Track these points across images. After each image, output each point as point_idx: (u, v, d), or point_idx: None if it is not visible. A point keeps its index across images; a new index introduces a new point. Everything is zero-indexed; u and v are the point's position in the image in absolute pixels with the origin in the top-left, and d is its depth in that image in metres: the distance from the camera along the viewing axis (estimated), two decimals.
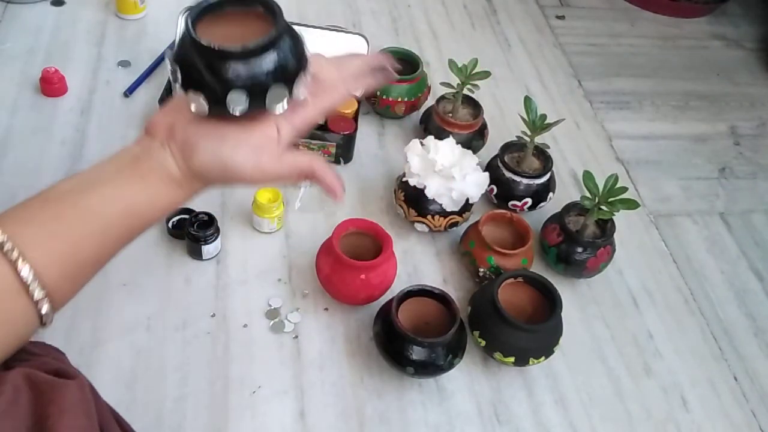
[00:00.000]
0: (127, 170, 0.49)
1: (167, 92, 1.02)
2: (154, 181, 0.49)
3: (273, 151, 0.51)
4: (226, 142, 0.50)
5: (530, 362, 0.81)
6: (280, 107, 0.48)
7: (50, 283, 0.44)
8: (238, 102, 0.47)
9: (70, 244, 0.45)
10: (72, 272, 0.46)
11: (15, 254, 0.42)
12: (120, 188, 0.48)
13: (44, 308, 0.44)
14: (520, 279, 0.85)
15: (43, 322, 0.45)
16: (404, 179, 0.93)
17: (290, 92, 0.49)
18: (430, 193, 0.89)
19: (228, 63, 0.46)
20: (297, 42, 0.49)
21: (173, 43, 0.49)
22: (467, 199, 0.91)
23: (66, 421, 0.41)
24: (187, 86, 0.48)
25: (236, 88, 0.46)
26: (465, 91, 1.04)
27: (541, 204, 1.00)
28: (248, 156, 0.50)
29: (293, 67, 0.48)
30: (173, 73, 0.48)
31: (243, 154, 0.50)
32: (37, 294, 0.43)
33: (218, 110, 0.48)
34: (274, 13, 0.48)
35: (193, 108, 0.48)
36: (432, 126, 1.06)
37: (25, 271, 0.42)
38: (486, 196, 1.01)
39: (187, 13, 0.48)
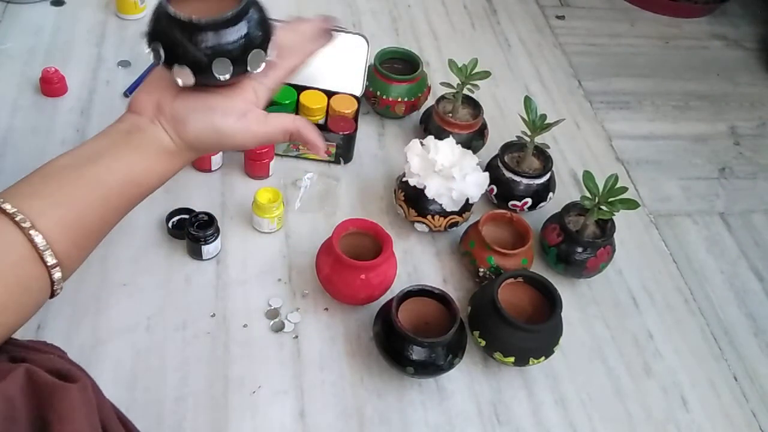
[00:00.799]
0: (122, 143, 0.52)
1: None
2: (149, 152, 0.52)
3: (258, 114, 0.55)
4: (215, 112, 0.53)
5: (530, 362, 0.81)
6: (259, 68, 0.53)
7: (61, 250, 0.46)
8: (223, 69, 0.51)
9: (76, 214, 0.48)
10: (79, 240, 0.49)
11: (27, 224, 0.45)
12: (118, 160, 0.51)
13: (56, 275, 0.47)
14: (520, 279, 0.85)
15: (53, 289, 0.47)
16: (404, 179, 0.93)
17: (265, 54, 0.53)
18: (430, 193, 0.89)
19: (210, 34, 0.49)
20: (263, 10, 0.54)
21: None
22: (467, 199, 0.91)
23: (65, 427, 0.42)
24: (171, 61, 0.51)
25: (220, 56, 0.50)
26: (465, 91, 1.04)
27: (541, 204, 1.00)
28: (237, 121, 0.54)
29: (265, 31, 0.53)
30: (154, 51, 0.51)
31: (232, 120, 0.54)
32: (51, 261, 0.46)
33: (204, 80, 0.52)
34: None
35: (180, 81, 0.51)
36: (432, 126, 1.06)
37: (39, 239, 0.45)
38: (486, 196, 1.01)
39: None
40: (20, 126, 1.01)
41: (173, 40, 0.50)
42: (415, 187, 0.91)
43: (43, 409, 0.42)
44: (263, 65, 0.53)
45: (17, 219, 0.44)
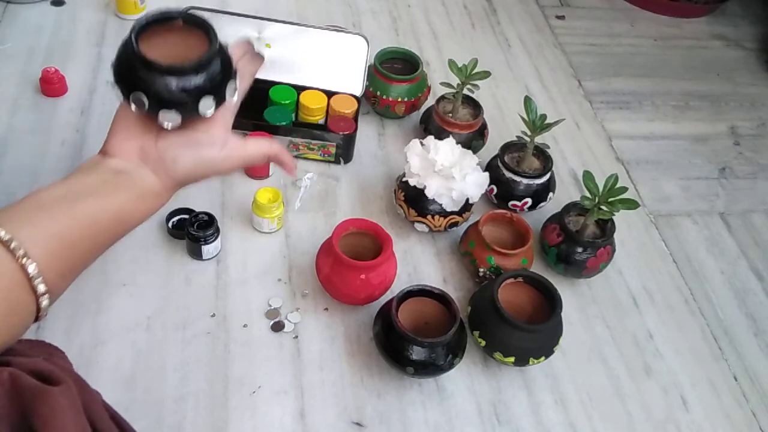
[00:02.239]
0: (111, 184, 0.53)
1: None
2: (136, 194, 0.54)
3: (236, 140, 0.58)
4: (200, 146, 0.56)
5: (530, 362, 0.81)
6: (234, 97, 0.56)
7: (49, 279, 0.47)
8: (208, 105, 0.53)
9: (66, 246, 0.49)
10: (66, 271, 0.50)
11: (21, 251, 0.46)
12: (108, 199, 0.53)
13: (44, 302, 0.48)
14: (520, 279, 0.85)
15: (38, 316, 0.49)
16: (404, 179, 0.93)
17: (236, 83, 0.56)
18: (430, 193, 0.89)
19: (193, 76, 0.52)
20: (225, 47, 0.57)
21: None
22: (467, 199, 0.91)
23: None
24: (157, 108, 0.52)
25: (204, 94, 0.53)
26: (465, 91, 1.04)
27: (541, 204, 1.00)
28: (221, 150, 0.57)
29: (231, 62, 0.56)
30: (136, 101, 0.52)
31: (216, 151, 0.57)
32: (41, 289, 0.47)
33: (189, 118, 0.54)
34: (206, 27, 0.55)
35: (167, 125, 0.53)
36: (432, 126, 1.06)
37: (32, 267, 0.46)
38: (486, 196, 1.01)
39: (131, 37, 0.52)
40: (20, 126, 1.01)
41: (158, 88, 0.51)
42: (415, 187, 0.91)
43: (27, 413, 0.42)
44: (236, 94, 0.57)
45: (12, 246, 0.45)
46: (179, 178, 0.56)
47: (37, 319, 0.49)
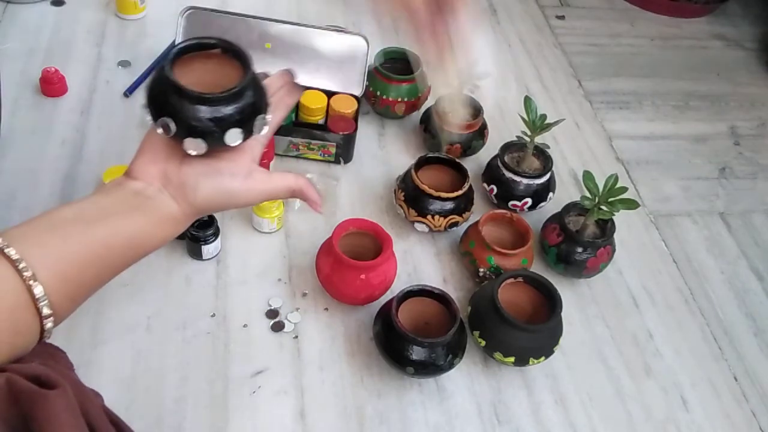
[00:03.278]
0: (129, 208, 0.53)
1: None
2: (155, 219, 0.54)
3: (261, 173, 0.58)
4: (223, 175, 0.55)
5: (530, 362, 0.81)
6: (263, 131, 0.56)
7: (56, 301, 0.47)
8: (236, 137, 0.53)
9: (76, 269, 0.49)
10: (73, 294, 0.49)
11: (29, 273, 0.45)
12: (124, 224, 0.52)
13: (48, 324, 0.47)
14: (520, 279, 0.85)
15: (42, 337, 0.48)
16: (402, 180, 0.93)
17: (266, 117, 0.56)
18: None
19: (223, 106, 0.51)
20: (263, 77, 0.58)
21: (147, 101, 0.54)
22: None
23: None
24: (184, 135, 0.52)
25: (232, 126, 0.52)
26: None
27: (541, 204, 1.00)
28: (244, 182, 0.56)
29: (265, 96, 0.56)
30: (164, 126, 0.52)
31: (239, 182, 0.56)
32: (45, 311, 0.46)
33: (214, 147, 0.53)
34: (242, 57, 0.54)
35: (192, 152, 0.53)
36: (432, 126, 1.06)
37: (38, 290, 0.46)
38: (486, 195, 1.01)
39: (166, 66, 0.52)
40: (20, 126, 1.01)
41: (187, 115, 0.51)
42: (415, 186, 0.91)
43: (25, 418, 0.42)
44: (266, 128, 0.56)
45: (20, 267, 0.45)
46: (198, 206, 0.55)
47: (41, 340, 0.48)
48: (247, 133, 0.54)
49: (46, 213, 0.50)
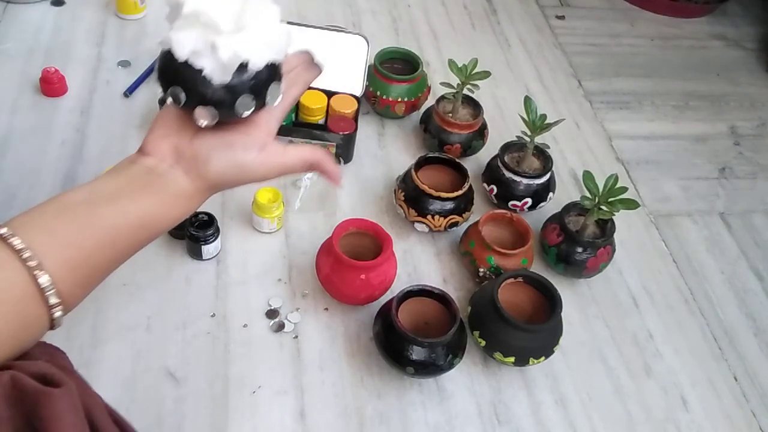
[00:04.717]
0: (139, 186, 0.51)
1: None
2: (166, 197, 0.52)
3: (276, 146, 0.55)
4: (235, 148, 0.53)
5: (530, 362, 0.81)
6: (277, 101, 0.54)
7: (64, 290, 0.46)
8: (246, 105, 0.51)
9: (84, 254, 0.47)
10: (83, 280, 0.48)
11: (34, 262, 0.44)
12: (134, 203, 0.50)
13: (57, 313, 0.46)
14: (520, 279, 0.85)
15: (52, 326, 0.47)
16: (399, 178, 0.93)
17: (280, 87, 0.54)
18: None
19: (234, 74, 0.50)
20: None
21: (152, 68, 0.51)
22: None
23: None
24: (194, 104, 0.51)
25: (243, 93, 0.51)
26: (465, 91, 1.04)
27: (541, 204, 1.00)
28: (258, 155, 0.54)
29: (279, 66, 0.54)
30: (173, 96, 0.51)
31: (253, 155, 0.54)
32: (52, 300, 0.45)
33: (226, 117, 0.52)
34: None
35: (202, 122, 0.51)
36: (432, 126, 1.06)
37: (44, 279, 0.44)
38: (486, 195, 1.01)
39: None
40: (20, 126, 1.01)
41: (196, 83, 0.50)
42: (415, 187, 0.91)
43: (29, 416, 0.42)
44: (280, 98, 0.54)
45: (24, 256, 0.44)
46: (212, 180, 0.54)
47: (51, 328, 0.47)
48: (260, 103, 0.52)
49: (58, 196, 0.49)
